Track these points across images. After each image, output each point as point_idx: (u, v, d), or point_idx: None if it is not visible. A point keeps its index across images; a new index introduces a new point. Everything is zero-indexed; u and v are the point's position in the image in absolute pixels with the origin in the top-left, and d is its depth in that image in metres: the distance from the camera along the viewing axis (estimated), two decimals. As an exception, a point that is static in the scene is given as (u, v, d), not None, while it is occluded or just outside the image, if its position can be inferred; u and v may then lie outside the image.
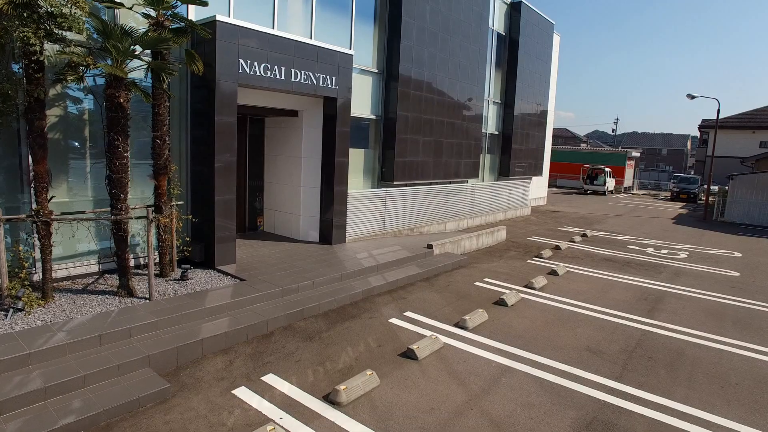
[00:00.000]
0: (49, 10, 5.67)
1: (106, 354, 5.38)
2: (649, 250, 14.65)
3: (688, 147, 76.34)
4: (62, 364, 5.09)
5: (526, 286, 9.89)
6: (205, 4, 7.47)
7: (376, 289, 8.72)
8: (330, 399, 5.20)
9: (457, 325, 7.56)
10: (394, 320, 7.61)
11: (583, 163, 36.94)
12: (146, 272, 7.95)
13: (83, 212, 7.18)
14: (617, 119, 77.87)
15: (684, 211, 26.88)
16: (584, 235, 16.42)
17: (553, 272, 11.05)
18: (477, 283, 9.96)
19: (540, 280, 10.09)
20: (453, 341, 6.97)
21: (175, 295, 7.04)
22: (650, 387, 5.90)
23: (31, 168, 6.47)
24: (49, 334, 5.46)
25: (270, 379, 5.61)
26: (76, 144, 7.57)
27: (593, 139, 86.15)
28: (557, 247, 13.97)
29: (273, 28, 9.95)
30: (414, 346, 6.43)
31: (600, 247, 14.60)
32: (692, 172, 57.20)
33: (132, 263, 8.07)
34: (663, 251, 14.54)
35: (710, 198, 23.25)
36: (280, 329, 6.95)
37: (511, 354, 6.68)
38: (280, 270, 8.55)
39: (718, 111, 21.41)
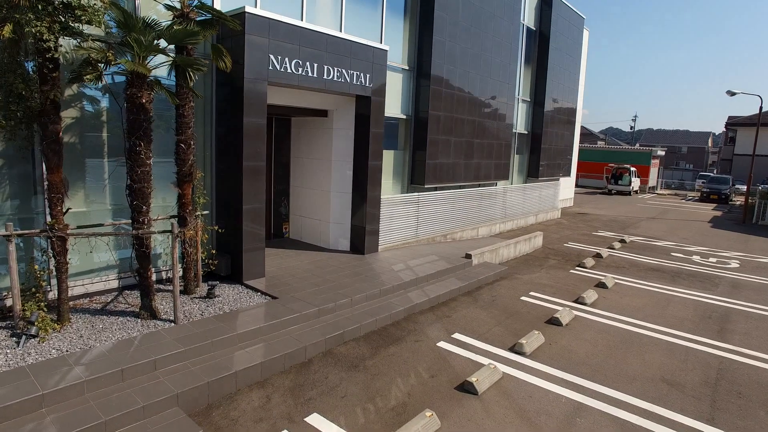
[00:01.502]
0: (65, 0, 4.99)
1: (129, 392, 4.70)
2: (696, 258, 13.71)
3: (709, 145, 74.39)
4: (80, 406, 4.42)
5: (576, 301, 9.08)
6: (234, -5, 6.75)
7: (418, 306, 7.97)
8: (387, 449, 4.47)
9: (512, 350, 6.79)
10: (442, 344, 6.86)
11: (605, 162, 35.81)
12: (169, 288, 7.31)
13: (101, 224, 6.52)
14: (635, 116, 76.06)
15: (718, 213, 25.73)
16: (623, 241, 15.50)
17: (602, 285, 10.21)
18: (523, 298, 9.16)
19: (590, 295, 9.27)
20: (512, 370, 6.21)
21: (203, 317, 6.35)
22: (754, 433, 5.08)
23: (45, 177, 5.82)
24: (66, 368, 4.80)
25: (315, 420, 4.89)
26: (93, 148, 6.91)
27: (609, 136, 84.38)
28: (598, 255, 13.10)
29: (302, 20, 9.22)
30: (473, 379, 5.67)
31: (642, 255, 13.70)
32: (715, 171, 55.56)
33: (154, 278, 7.43)
34: (711, 259, 13.59)
35: (749, 199, 22.03)
36: (319, 356, 6.23)
37: (580, 387, 5.89)
38: (313, 285, 7.83)
39: (761, 108, 20.28)
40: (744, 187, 37.40)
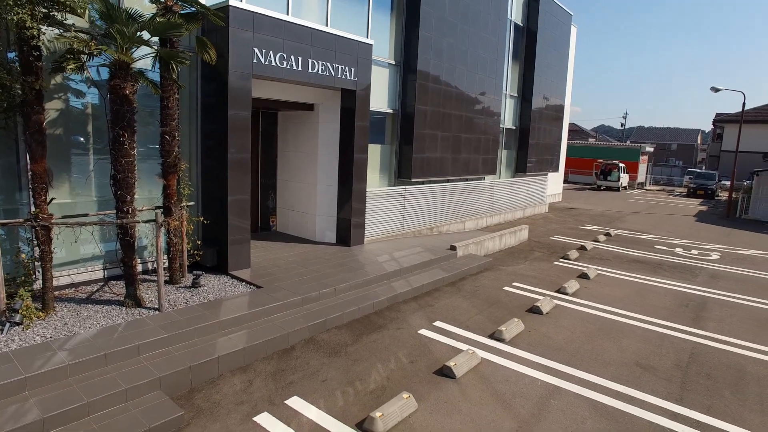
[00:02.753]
0: None
1: (112, 376, 4.80)
2: (678, 250, 13.97)
3: (699, 142, 75.18)
4: (63, 389, 4.51)
5: (558, 291, 9.26)
6: (217, -12, 6.83)
7: (401, 296, 8.12)
8: (364, 428, 4.61)
9: (492, 337, 6.95)
10: (423, 331, 7.01)
11: (595, 159, 36.14)
12: (155, 278, 7.40)
13: (86, 215, 6.59)
14: (626, 113, 76.78)
15: (704, 207, 26.10)
16: (608, 234, 15.73)
17: (584, 275, 10.41)
18: (506, 288, 9.33)
19: (572, 285, 9.46)
20: (491, 355, 6.37)
21: (187, 306, 6.45)
22: (719, 412, 5.27)
23: (29, 167, 5.88)
24: (49, 353, 4.88)
25: (295, 402, 5.02)
26: (79, 140, 6.98)
27: (601, 134, 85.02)
28: (583, 248, 13.32)
29: (287, 14, 9.30)
30: (451, 363, 5.83)
31: (627, 248, 13.94)
32: (704, 167, 56.21)
33: (139, 268, 7.49)
34: (693, 252, 13.85)
35: (733, 194, 22.38)
36: (301, 343, 6.36)
37: (555, 371, 6.06)
38: (297, 275, 7.95)
39: (744, 105, 20.61)
40: (726, 182, 37.99)
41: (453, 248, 10.65)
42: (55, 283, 6.26)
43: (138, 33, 5.94)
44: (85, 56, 5.75)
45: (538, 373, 5.99)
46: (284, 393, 5.18)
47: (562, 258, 12.12)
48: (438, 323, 7.34)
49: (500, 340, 6.88)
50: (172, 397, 4.85)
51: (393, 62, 12.10)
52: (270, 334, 6.03)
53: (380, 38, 11.65)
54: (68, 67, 5.51)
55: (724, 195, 33.32)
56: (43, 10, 5.14)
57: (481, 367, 6.05)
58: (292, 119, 10.81)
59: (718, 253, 13.81)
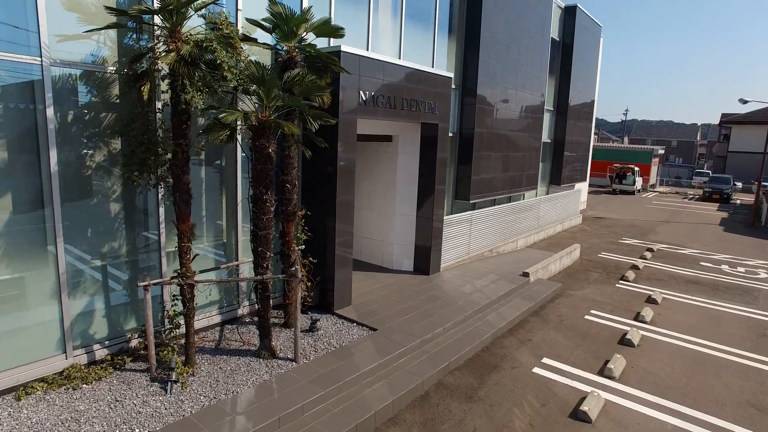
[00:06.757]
0: (217, 61, 5.15)
1: (291, 439, 4.98)
2: (725, 267, 14.32)
3: (698, 138, 76.07)
4: (255, 457, 4.68)
5: (636, 319, 9.55)
6: (342, 36, 6.93)
7: (500, 331, 8.34)
8: (539, 486, 4.83)
9: (602, 374, 7.21)
10: (537, 370, 7.24)
11: (608, 161, 36.61)
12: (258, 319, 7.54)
13: (218, 268, 6.71)
14: (627, 110, 77.80)
15: (724, 214, 26.55)
16: (651, 250, 16.06)
17: (652, 300, 10.70)
18: (587, 317, 9.59)
19: (647, 312, 9.74)
20: (610, 396, 6.63)
21: (317, 354, 6.61)
22: None
23: (162, 227, 6.03)
24: (228, 417, 5.04)
25: (459, 458, 5.23)
26: (197, 188, 7.07)
27: (599, 129, 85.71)
28: (635, 267, 13.63)
29: (367, 48, 9.42)
30: (585, 408, 6.09)
31: (675, 265, 14.26)
32: (705, 166, 57.07)
33: (246, 310, 7.69)
34: (740, 269, 14.22)
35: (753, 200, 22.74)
36: (433, 388, 6.56)
37: (677, 412, 6.34)
38: (400, 313, 8.13)
39: (769, 115, 21.00)
40: (740, 185, 38.68)
41: (526, 274, 10.88)
42: (179, 332, 6.38)
43: (280, 92, 6.04)
44: (239, 123, 5.85)
45: (662, 414, 6.26)
46: (445, 448, 5.39)
47: (621, 279, 12.41)
48: (545, 360, 7.58)
49: (611, 377, 7.14)
50: (344, 457, 5.04)
51: (453, 86, 12.22)
52: (408, 383, 6.23)
53: (440, 62, 11.77)
54: (220, 136, 5.58)
55: (738, 199, 33.91)
56: (211, 84, 5.23)
57: (608, 409, 6.30)
58: (366, 149, 10.93)
59: (765, 271, 14.20)
